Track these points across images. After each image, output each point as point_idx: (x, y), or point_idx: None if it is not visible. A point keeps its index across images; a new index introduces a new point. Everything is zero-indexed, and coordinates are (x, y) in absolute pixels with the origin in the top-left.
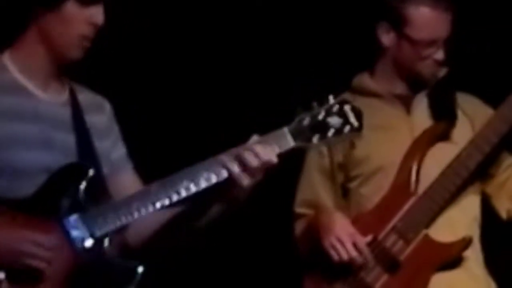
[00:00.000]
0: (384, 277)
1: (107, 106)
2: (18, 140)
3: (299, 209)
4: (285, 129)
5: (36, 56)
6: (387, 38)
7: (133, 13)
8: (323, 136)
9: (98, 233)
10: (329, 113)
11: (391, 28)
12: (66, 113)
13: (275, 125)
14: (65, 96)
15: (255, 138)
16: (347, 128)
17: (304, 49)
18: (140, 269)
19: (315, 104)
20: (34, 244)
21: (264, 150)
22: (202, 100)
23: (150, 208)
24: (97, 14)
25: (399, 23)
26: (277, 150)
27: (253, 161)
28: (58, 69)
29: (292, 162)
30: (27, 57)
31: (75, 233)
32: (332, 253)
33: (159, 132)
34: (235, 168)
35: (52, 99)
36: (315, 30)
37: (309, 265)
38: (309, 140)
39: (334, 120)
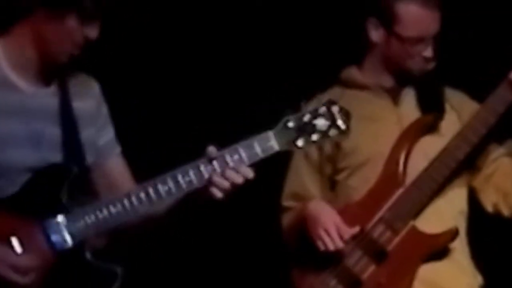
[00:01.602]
0: (372, 267)
1: (96, 88)
2: (3, 138)
3: (286, 202)
4: (270, 133)
5: (26, 52)
6: (376, 34)
7: (133, 7)
8: (308, 139)
9: (79, 238)
10: (316, 115)
11: (380, 24)
12: (54, 103)
13: (266, 121)
14: (54, 86)
15: (211, 148)
16: (333, 131)
17: (293, 43)
18: (120, 272)
19: (303, 104)
20: (14, 269)
21: (245, 169)
22: (194, 96)
23: (132, 213)
24: (94, 31)
25: (388, 20)
26: (246, 162)
27: (236, 178)
28: (47, 67)
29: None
30: (17, 50)
31: (55, 237)
32: (319, 243)
33: (152, 128)
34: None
35: (39, 90)
36: (304, 23)
37: (297, 256)
38: (293, 143)
39: (321, 123)
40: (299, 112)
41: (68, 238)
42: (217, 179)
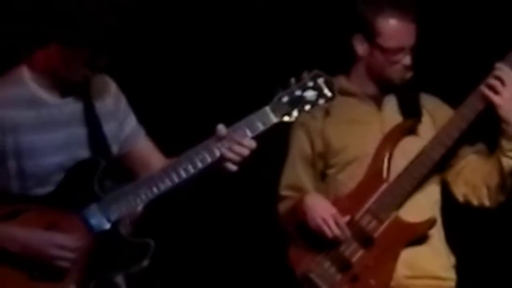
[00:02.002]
0: (360, 251)
1: (112, 86)
2: (38, 149)
3: (283, 192)
4: (267, 108)
5: (47, 75)
6: (361, 48)
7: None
8: (301, 109)
9: (113, 218)
10: (305, 88)
11: (364, 39)
12: (77, 107)
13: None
14: (78, 92)
15: (220, 127)
16: (321, 100)
17: (289, 56)
18: (152, 244)
19: (292, 80)
20: (61, 247)
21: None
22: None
23: (156, 191)
24: (103, 61)
25: (371, 34)
26: (249, 134)
27: (243, 150)
28: (66, 84)
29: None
30: (41, 72)
31: (93, 220)
32: (318, 231)
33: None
34: (226, 152)
35: (66, 101)
36: (299, 40)
37: (294, 240)
38: (289, 114)
39: (310, 94)
40: (289, 88)
41: (104, 220)
42: (228, 154)
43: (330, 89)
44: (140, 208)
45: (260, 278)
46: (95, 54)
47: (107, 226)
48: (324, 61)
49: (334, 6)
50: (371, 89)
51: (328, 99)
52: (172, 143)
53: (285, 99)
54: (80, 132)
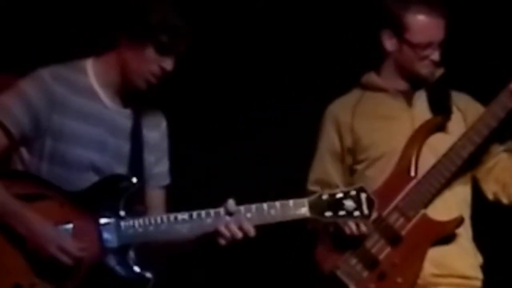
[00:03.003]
0: (388, 249)
1: (163, 124)
2: (76, 136)
3: (312, 187)
4: (305, 200)
5: (111, 74)
6: (390, 43)
7: None
8: (335, 214)
9: (125, 242)
10: (346, 196)
11: (393, 35)
12: (127, 124)
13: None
14: (130, 109)
15: (230, 202)
16: (357, 213)
17: (323, 54)
18: (152, 280)
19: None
20: (63, 250)
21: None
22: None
23: (172, 235)
24: (169, 63)
25: (399, 30)
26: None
27: (236, 233)
28: (127, 89)
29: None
30: (105, 71)
31: (106, 235)
32: (346, 229)
33: None
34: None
35: (118, 109)
36: (334, 39)
37: (321, 237)
38: (322, 214)
39: (349, 203)
40: (334, 190)
41: (116, 239)
42: (222, 229)
43: (369, 208)
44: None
45: (287, 275)
46: (161, 53)
47: (116, 245)
48: (356, 57)
49: (364, 2)
50: (401, 85)
51: (363, 216)
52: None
53: (325, 197)
54: (122, 146)
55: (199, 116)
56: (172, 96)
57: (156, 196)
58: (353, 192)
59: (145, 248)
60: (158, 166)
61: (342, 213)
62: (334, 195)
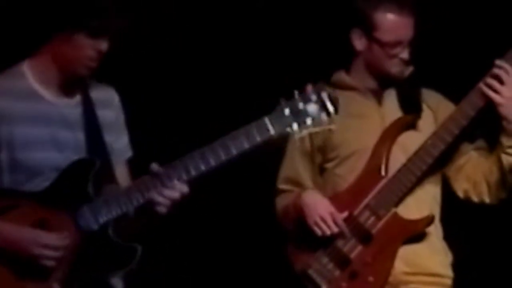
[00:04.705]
0: (359, 248)
1: (115, 98)
2: (29, 142)
3: (281, 185)
4: (266, 119)
5: (49, 69)
6: (359, 42)
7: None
8: (302, 123)
9: (102, 220)
10: (307, 101)
11: (363, 33)
12: (77, 112)
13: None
14: (77, 97)
15: (154, 165)
16: (323, 115)
17: (292, 52)
18: (140, 250)
19: (296, 93)
20: (45, 247)
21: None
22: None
23: (141, 199)
24: (104, 44)
25: (369, 29)
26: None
27: (172, 194)
28: (69, 80)
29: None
30: (43, 68)
31: (82, 221)
32: (316, 229)
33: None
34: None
35: (65, 101)
36: (303, 38)
37: (292, 235)
38: (289, 127)
39: (312, 108)
40: (293, 100)
41: (93, 221)
42: (156, 197)
43: (333, 104)
44: (131, 212)
45: (258, 274)
46: (94, 36)
47: (95, 227)
48: (325, 57)
49: (333, 1)
50: (371, 83)
51: (330, 115)
52: (172, 144)
53: (286, 111)
54: (79, 137)
55: (199, 116)
56: (172, 96)
57: (121, 170)
58: (313, 96)
59: (124, 223)
60: (118, 141)
61: (309, 121)
62: (294, 105)
